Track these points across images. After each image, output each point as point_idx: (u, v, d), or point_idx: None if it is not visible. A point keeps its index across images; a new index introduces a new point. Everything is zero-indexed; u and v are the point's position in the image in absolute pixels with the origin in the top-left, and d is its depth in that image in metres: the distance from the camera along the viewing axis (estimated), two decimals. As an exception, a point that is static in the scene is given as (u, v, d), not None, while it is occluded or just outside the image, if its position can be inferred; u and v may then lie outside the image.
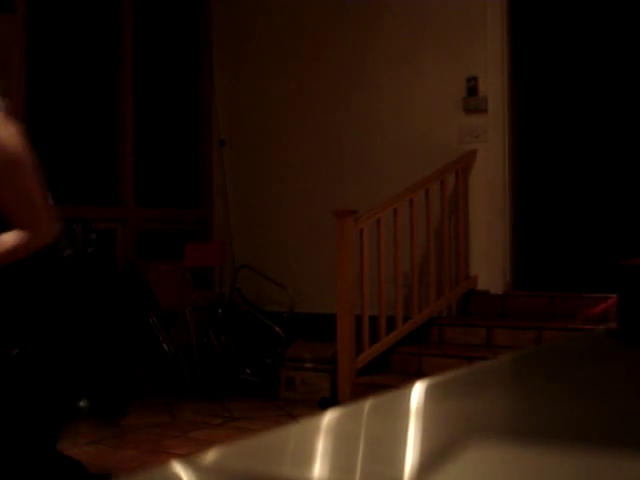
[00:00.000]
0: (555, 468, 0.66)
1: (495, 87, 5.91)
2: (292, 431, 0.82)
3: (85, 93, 6.21)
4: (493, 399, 0.98)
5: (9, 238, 2.11)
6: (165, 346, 5.92)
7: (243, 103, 6.88)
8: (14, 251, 2.14)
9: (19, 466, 2.32)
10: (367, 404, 0.89)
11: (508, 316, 5.67)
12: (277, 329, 6.24)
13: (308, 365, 5.73)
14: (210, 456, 0.72)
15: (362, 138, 6.34)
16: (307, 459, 0.73)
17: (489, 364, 1.24)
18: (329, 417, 0.85)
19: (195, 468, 0.70)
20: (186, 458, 0.71)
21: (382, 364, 5.46)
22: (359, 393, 5.03)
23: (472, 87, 5.97)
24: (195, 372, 5.96)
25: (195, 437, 4.72)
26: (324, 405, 5.28)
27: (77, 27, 6.17)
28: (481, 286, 5.95)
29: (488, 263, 5.92)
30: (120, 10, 6.42)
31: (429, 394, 0.98)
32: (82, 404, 2.80)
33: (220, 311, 6.23)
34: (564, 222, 5.84)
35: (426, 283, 5.69)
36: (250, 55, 6.83)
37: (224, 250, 6.44)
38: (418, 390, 0.97)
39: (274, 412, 5.34)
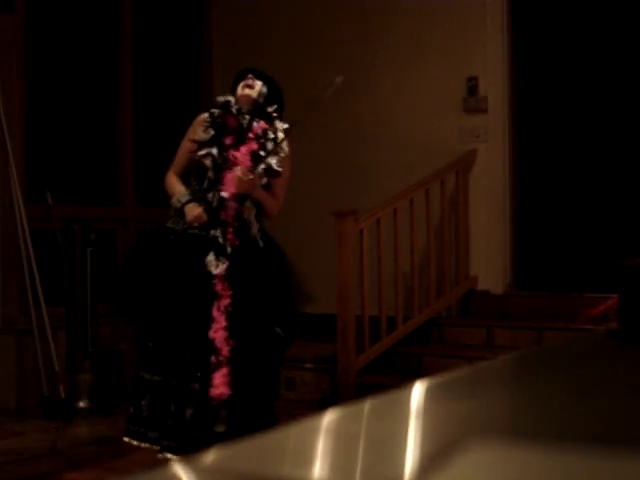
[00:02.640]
0: (555, 468, 0.66)
1: (495, 87, 5.91)
2: (292, 431, 0.82)
3: (85, 93, 6.20)
4: (493, 399, 0.98)
5: (270, 196, 3.99)
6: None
7: (243, 103, 6.88)
8: (269, 200, 3.99)
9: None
10: (367, 404, 0.89)
11: (508, 316, 5.67)
12: (277, 329, 6.23)
13: (308, 365, 5.73)
14: (210, 456, 0.72)
15: (362, 138, 6.33)
16: (307, 459, 0.73)
17: (489, 364, 1.24)
18: (329, 417, 0.85)
19: (195, 468, 0.70)
20: (186, 458, 0.71)
21: (382, 364, 5.46)
22: (359, 393, 5.03)
23: (472, 87, 5.97)
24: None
25: (195, 437, 4.70)
26: (324, 405, 5.28)
27: (76, 27, 6.17)
28: (481, 286, 5.95)
29: (488, 263, 5.92)
30: (120, 10, 6.42)
31: (429, 394, 0.98)
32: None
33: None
34: (564, 222, 5.84)
35: (426, 283, 5.69)
36: (250, 55, 6.83)
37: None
38: (418, 390, 0.97)
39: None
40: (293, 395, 5.69)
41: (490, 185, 5.91)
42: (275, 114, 3.98)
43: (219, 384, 3.75)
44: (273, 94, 4.11)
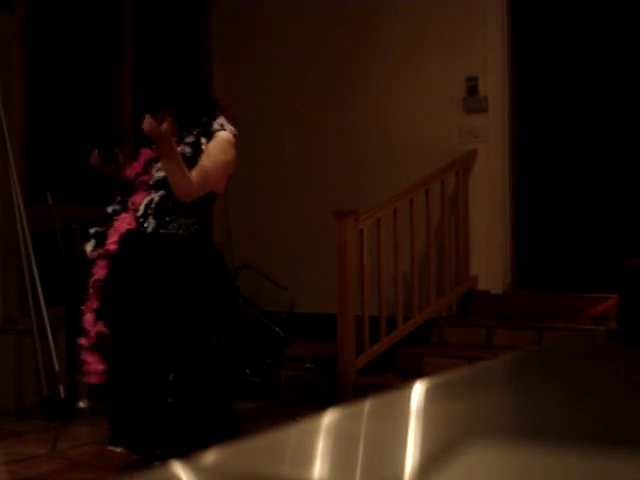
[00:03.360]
0: (555, 468, 0.66)
1: (495, 87, 5.91)
2: (292, 431, 0.82)
3: (85, 92, 6.20)
4: (493, 399, 0.98)
5: (182, 170, 3.72)
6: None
7: (243, 103, 6.87)
8: (178, 171, 3.71)
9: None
10: (367, 404, 0.89)
11: (508, 316, 5.67)
12: (277, 329, 6.23)
13: (308, 365, 5.73)
14: (210, 456, 0.72)
15: (362, 138, 6.34)
16: (307, 459, 0.73)
17: (489, 364, 1.23)
18: (329, 417, 0.85)
19: (195, 468, 0.70)
20: (186, 458, 0.71)
21: (382, 364, 5.46)
22: (359, 393, 5.03)
23: (472, 87, 5.97)
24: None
25: (195, 437, 4.70)
26: (324, 405, 5.27)
27: (76, 27, 6.17)
28: (481, 286, 5.95)
29: (488, 263, 5.92)
30: (119, 10, 6.42)
31: (429, 394, 0.98)
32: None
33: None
34: (565, 222, 5.84)
35: (426, 283, 5.69)
36: (250, 54, 6.83)
37: (223, 250, 6.43)
38: (418, 390, 0.97)
39: (274, 412, 5.34)
40: (293, 395, 5.69)
41: (490, 185, 5.91)
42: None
43: (91, 368, 3.75)
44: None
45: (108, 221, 3.91)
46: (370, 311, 5.28)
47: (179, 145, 3.86)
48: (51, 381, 5.25)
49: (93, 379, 3.78)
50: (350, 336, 5.20)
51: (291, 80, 6.65)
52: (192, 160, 3.83)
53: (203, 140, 3.89)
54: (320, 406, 5.29)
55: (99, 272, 3.77)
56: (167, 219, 3.82)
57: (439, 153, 5.89)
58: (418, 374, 5.15)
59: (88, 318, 3.73)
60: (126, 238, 3.80)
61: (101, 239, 3.86)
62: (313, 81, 6.57)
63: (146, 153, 4.00)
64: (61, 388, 5.20)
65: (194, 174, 3.78)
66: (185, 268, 3.80)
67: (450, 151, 5.89)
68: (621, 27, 5.67)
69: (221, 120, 4.00)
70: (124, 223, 3.82)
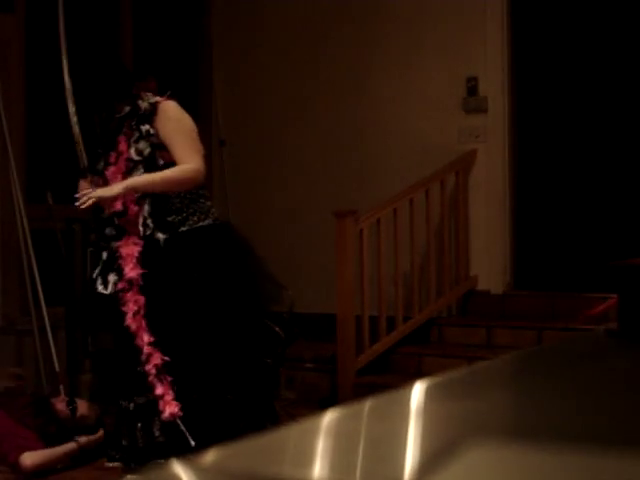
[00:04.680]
0: (555, 468, 0.66)
1: (495, 87, 5.91)
2: (292, 431, 0.82)
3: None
4: (493, 399, 0.98)
5: (159, 176, 3.67)
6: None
7: (243, 103, 6.88)
8: (172, 181, 3.76)
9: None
10: (367, 404, 0.89)
11: (508, 316, 5.67)
12: (277, 329, 6.22)
13: (308, 365, 5.73)
14: (210, 456, 0.72)
15: (362, 138, 6.34)
16: (307, 459, 0.73)
17: (489, 364, 1.24)
18: (329, 417, 0.85)
19: (195, 468, 0.70)
20: (186, 458, 0.71)
21: (382, 364, 5.46)
22: (359, 393, 5.03)
23: (472, 87, 5.97)
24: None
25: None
26: (324, 405, 5.27)
27: (76, 27, 6.16)
28: (481, 286, 5.95)
29: (488, 263, 5.92)
30: (120, 11, 6.42)
31: (429, 394, 0.98)
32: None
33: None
34: (564, 222, 5.84)
35: (426, 283, 5.69)
36: (250, 55, 6.83)
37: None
38: (418, 390, 0.97)
39: (274, 412, 5.33)
40: (293, 395, 5.69)
41: (490, 185, 5.91)
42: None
43: (166, 402, 3.55)
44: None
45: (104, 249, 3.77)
46: (370, 311, 5.28)
47: (130, 147, 3.72)
48: (52, 381, 5.25)
49: (171, 411, 3.51)
50: (350, 336, 5.20)
51: (291, 80, 6.65)
52: (155, 150, 3.72)
53: (145, 128, 3.76)
54: (320, 406, 5.29)
55: (131, 307, 3.56)
56: (174, 218, 3.71)
57: (439, 153, 5.89)
58: (418, 374, 5.15)
59: (148, 353, 3.51)
60: (147, 255, 3.61)
61: (108, 270, 3.68)
62: (313, 82, 6.57)
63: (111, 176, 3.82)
64: (62, 388, 5.19)
65: (187, 159, 3.72)
66: (220, 262, 3.70)
67: (450, 151, 5.88)
68: (620, 27, 5.67)
69: (145, 97, 3.87)
70: (130, 246, 3.64)
